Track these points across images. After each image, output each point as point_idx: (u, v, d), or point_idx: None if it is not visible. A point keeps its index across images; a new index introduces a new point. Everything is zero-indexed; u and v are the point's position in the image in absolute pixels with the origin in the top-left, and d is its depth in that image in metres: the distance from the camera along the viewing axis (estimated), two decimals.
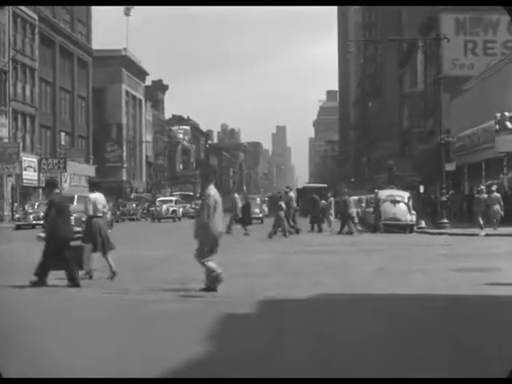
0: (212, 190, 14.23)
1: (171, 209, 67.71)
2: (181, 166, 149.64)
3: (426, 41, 67.59)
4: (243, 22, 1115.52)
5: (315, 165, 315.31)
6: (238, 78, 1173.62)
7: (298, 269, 17.94)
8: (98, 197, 16.79)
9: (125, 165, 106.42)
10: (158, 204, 71.18)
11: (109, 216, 29.84)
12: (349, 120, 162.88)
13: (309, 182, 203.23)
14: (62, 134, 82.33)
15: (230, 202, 37.83)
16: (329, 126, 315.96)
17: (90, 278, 15.96)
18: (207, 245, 14.18)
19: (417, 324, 10.56)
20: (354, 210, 38.41)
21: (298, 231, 35.85)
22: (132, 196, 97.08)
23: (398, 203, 37.91)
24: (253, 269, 18.02)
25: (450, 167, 41.85)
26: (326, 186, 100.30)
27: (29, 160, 69.72)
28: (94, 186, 17.99)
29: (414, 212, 38.18)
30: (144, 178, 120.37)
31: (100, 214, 16.52)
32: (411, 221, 37.58)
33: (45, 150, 76.43)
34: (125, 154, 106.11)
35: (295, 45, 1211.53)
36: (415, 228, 37.85)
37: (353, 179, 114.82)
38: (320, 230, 37.94)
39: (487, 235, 32.31)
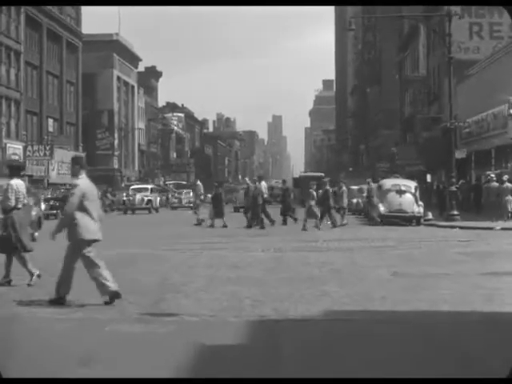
0: (82, 180, 11.50)
1: (146, 198, 59.74)
2: (174, 155, 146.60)
3: (430, 22, 64.75)
4: (240, 12, 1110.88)
5: (311, 154, 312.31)
6: (234, 68, 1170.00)
7: (298, 272, 14.96)
8: (19, 184, 13.82)
9: (116, 153, 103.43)
10: (131, 193, 62.21)
11: (34, 212, 26.11)
12: (346, 108, 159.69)
13: (305, 171, 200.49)
14: (50, 120, 79.32)
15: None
16: (325, 115, 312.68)
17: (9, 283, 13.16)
18: (82, 245, 11.17)
19: (457, 357, 7.65)
20: (346, 201, 35.27)
21: (261, 224, 32.45)
22: (123, 185, 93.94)
23: (404, 193, 34.90)
24: (243, 272, 15.07)
25: (460, 154, 38.80)
26: (323, 174, 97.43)
27: (13, 147, 66.74)
28: (14, 170, 14.49)
29: (421, 203, 35.23)
30: (136, 167, 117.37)
31: (20, 206, 13.63)
32: (418, 213, 34.57)
33: (31, 137, 73.43)
34: (116, 141, 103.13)
35: (292, 35, 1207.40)
36: (422, 220, 34.96)
37: (351, 168, 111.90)
38: (295, 220, 34.94)
39: (503, 229, 29.37)
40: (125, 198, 62.12)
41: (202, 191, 38.99)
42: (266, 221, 32.52)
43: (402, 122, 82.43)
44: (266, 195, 34.82)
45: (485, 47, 60.29)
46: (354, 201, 52.59)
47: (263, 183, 35.44)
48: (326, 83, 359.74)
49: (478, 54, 59.91)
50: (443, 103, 61.46)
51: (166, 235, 27.44)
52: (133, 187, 66.44)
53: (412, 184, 36.35)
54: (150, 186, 65.37)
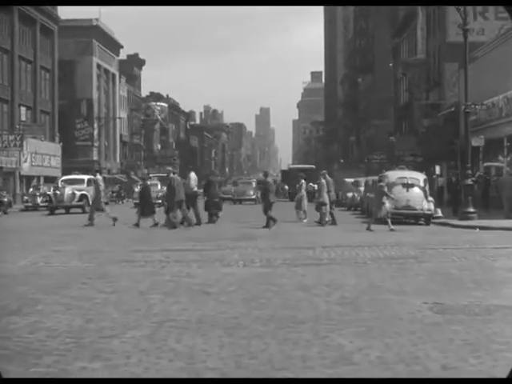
0: None
1: (79, 193, 44.76)
2: (159, 146, 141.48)
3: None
4: (228, 7, 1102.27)
5: (299, 146, 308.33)
6: (222, 61, 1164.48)
7: (295, 306, 10.11)
8: None
9: (96, 144, 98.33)
10: (60, 185, 47.12)
11: None
12: (335, 99, 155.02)
13: (293, 163, 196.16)
14: (22, 108, 74.08)
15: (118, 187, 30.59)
16: (313, 107, 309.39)
17: None
18: None
19: None
20: (326, 196, 30.06)
21: (188, 222, 28.47)
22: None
23: (412, 187, 30.14)
24: (214, 304, 10.22)
25: (477, 142, 34.08)
26: (313, 167, 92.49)
27: None
28: None
29: (431, 199, 30.50)
30: (118, 159, 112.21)
31: None
32: (428, 210, 29.82)
33: (1, 126, 68.29)
34: (96, 131, 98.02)
35: (281, 28, 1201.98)
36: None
37: (342, 160, 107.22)
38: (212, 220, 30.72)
39: None
40: (50, 193, 49.45)
41: (103, 186, 32.48)
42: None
43: (398, 111, 77.72)
44: (195, 189, 30.25)
45: (490, 28, 55.66)
46: (350, 195, 48.03)
47: (192, 175, 30.67)
48: (315, 75, 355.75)
49: (483, 35, 55.25)
50: (444, 89, 56.89)
51: (125, 238, 22.52)
52: (63, 178, 50.76)
53: (420, 177, 31.59)
54: (86, 177, 48.24)
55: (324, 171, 32.98)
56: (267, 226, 27.40)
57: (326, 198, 29.57)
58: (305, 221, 31.34)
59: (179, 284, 12.15)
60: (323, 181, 30.46)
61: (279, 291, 11.31)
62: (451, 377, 6.41)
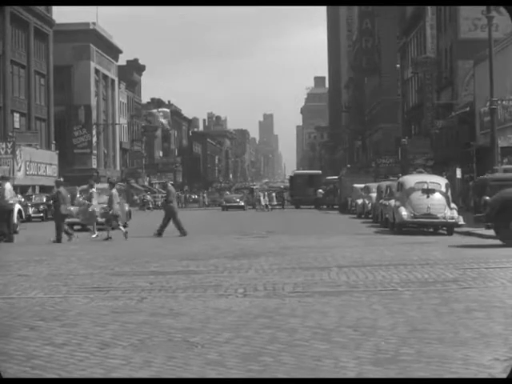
0: None
1: None
2: (160, 153, 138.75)
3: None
4: (230, 11, 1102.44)
5: (304, 152, 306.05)
6: (224, 67, 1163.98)
7: (314, 369, 7.09)
8: None
9: (94, 151, 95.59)
10: None
11: None
12: (340, 103, 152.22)
13: (297, 169, 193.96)
14: (16, 115, 71.37)
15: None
16: (317, 112, 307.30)
17: None
18: None
19: None
20: (117, 207, 27.66)
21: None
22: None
23: (433, 193, 27.21)
24: (198, 371, 7.18)
25: (505, 142, 31.13)
26: (320, 172, 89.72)
27: None
28: None
29: (454, 206, 27.57)
30: (118, 167, 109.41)
31: None
32: (451, 218, 26.89)
33: None
34: (94, 139, 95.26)
35: (283, 34, 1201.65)
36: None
37: (349, 165, 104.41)
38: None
39: None
40: None
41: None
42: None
43: (406, 113, 74.74)
44: (12, 201, 27.38)
45: (505, 24, 52.63)
46: (360, 201, 45.17)
47: (7, 185, 27.59)
48: (318, 80, 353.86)
49: (497, 31, 52.21)
50: (457, 88, 54.06)
51: (108, 257, 19.39)
52: None
53: (442, 181, 28.66)
54: None
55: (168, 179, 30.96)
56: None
57: (117, 210, 27.46)
58: (93, 236, 28.15)
59: (156, 329, 9.12)
60: (113, 191, 28.05)
61: (290, 341, 8.25)
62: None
